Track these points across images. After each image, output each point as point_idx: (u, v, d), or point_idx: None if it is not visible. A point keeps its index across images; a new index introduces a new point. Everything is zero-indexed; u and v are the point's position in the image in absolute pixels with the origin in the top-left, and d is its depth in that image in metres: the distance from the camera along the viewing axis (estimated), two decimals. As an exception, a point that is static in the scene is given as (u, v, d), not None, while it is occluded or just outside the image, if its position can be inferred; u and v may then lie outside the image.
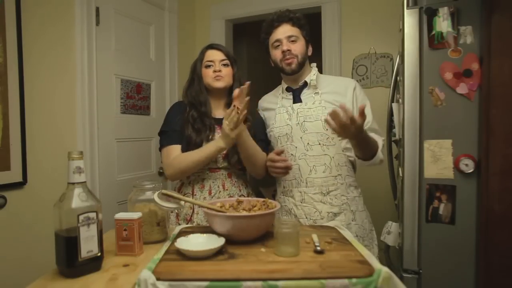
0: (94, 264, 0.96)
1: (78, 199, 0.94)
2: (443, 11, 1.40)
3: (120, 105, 2.17)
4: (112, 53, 2.12)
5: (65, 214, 0.93)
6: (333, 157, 1.50)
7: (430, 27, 1.42)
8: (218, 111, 1.61)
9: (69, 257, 0.92)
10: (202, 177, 1.54)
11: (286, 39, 1.53)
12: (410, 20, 1.46)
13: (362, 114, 1.22)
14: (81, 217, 0.93)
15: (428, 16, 1.42)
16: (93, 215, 0.95)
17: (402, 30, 1.49)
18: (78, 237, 0.92)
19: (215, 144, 1.41)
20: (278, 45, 1.55)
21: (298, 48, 1.53)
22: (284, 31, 1.54)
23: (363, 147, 1.42)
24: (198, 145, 1.47)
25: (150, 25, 2.43)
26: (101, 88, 2.03)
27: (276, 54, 1.56)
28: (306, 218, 1.50)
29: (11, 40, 1.55)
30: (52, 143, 1.76)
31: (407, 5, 1.47)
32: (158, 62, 2.50)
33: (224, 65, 1.56)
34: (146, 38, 2.41)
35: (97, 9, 2.00)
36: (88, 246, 0.94)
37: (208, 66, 1.56)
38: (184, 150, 1.51)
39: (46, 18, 1.73)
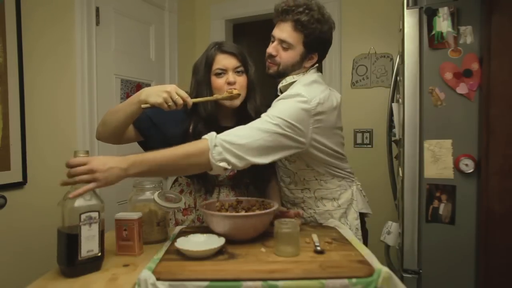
0: (94, 264, 0.96)
1: (81, 198, 0.94)
2: (443, 11, 1.40)
3: (120, 105, 2.17)
4: (112, 53, 2.12)
5: (67, 212, 0.93)
6: (296, 173, 1.39)
7: (430, 27, 1.42)
8: (225, 120, 1.37)
9: (70, 256, 0.92)
10: (205, 191, 1.39)
11: (278, 42, 1.31)
12: (410, 20, 1.46)
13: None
14: (83, 216, 0.93)
15: (428, 16, 1.42)
16: (95, 214, 0.95)
17: (402, 30, 1.49)
18: (79, 236, 0.92)
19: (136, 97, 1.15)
20: (272, 41, 1.35)
21: (286, 57, 1.31)
22: (280, 31, 1.31)
23: None
24: (205, 173, 1.29)
25: (150, 25, 2.43)
26: (101, 88, 2.02)
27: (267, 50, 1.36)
28: None
29: (11, 40, 1.55)
30: (52, 143, 1.76)
31: (407, 5, 1.47)
32: (158, 62, 2.50)
33: (239, 72, 1.31)
34: (146, 38, 2.41)
35: (97, 9, 2.00)
36: (88, 246, 0.94)
37: (219, 75, 1.30)
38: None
39: (46, 18, 1.73)
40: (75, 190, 0.93)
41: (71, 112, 1.87)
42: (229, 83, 1.29)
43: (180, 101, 1.11)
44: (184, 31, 2.77)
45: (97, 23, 2.00)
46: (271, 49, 1.33)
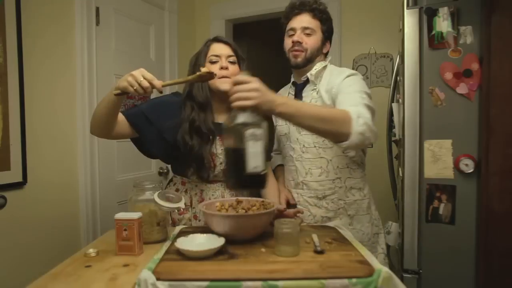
0: (259, 180, 0.98)
1: (246, 116, 0.96)
2: (443, 11, 1.40)
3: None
4: (112, 53, 2.12)
5: (233, 130, 0.96)
6: (330, 160, 1.42)
7: (430, 27, 1.42)
8: (220, 116, 1.41)
9: (237, 170, 0.95)
10: (200, 188, 1.41)
11: (301, 30, 1.43)
12: (410, 20, 1.46)
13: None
14: (247, 133, 0.94)
15: (428, 16, 1.42)
16: (259, 131, 0.96)
17: (402, 30, 1.49)
18: (245, 151, 0.93)
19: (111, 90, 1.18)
20: (292, 34, 1.45)
21: (311, 42, 1.43)
22: (301, 21, 1.44)
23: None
24: (201, 158, 1.32)
25: (150, 25, 2.43)
26: (101, 88, 2.02)
27: (287, 43, 1.47)
28: None
29: (11, 40, 1.55)
30: (52, 143, 1.76)
31: (407, 5, 1.47)
32: (158, 62, 2.50)
33: (231, 62, 1.38)
34: (146, 38, 2.41)
35: (97, 9, 2.00)
36: (254, 162, 0.95)
37: (213, 62, 1.37)
38: (175, 156, 1.38)
39: (46, 18, 1.73)
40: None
41: (71, 112, 1.87)
42: (222, 68, 1.35)
43: (146, 84, 1.08)
44: (184, 31, 2.77)
45: (97, 23, 2.00)
46: (296, 37, 1.43)
